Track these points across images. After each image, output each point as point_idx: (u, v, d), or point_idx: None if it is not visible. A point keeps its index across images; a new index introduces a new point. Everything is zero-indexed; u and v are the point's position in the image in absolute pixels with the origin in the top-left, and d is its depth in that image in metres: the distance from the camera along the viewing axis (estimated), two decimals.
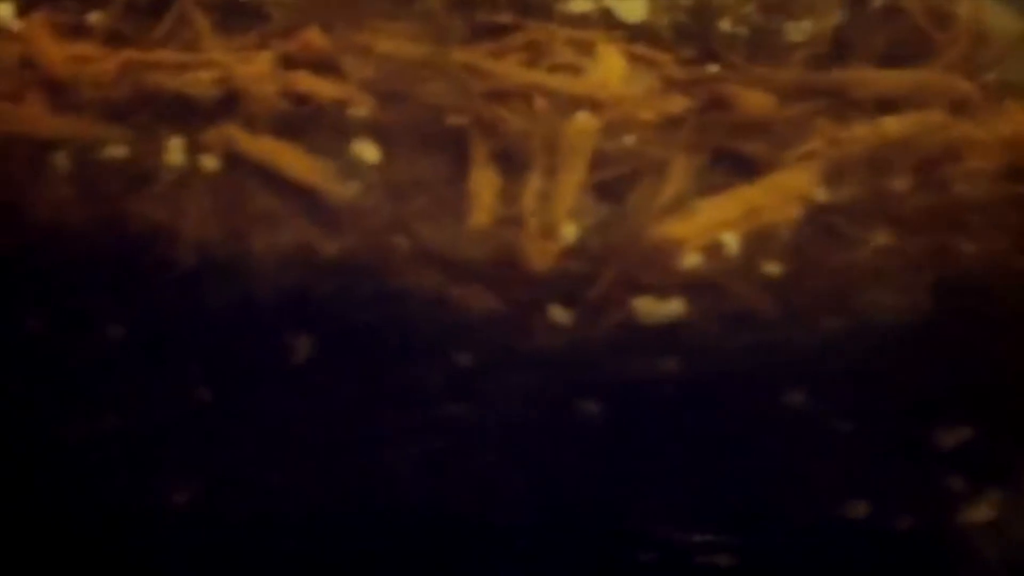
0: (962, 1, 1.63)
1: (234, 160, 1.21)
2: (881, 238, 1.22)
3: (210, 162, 1.21)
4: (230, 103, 1.30)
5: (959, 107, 1.47)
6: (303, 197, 1.19)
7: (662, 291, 1.15)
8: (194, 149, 1.22)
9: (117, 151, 1.20)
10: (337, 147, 1.27)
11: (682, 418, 1.18)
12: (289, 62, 1.49)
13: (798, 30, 1.72)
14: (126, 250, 1.13)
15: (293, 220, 1.15)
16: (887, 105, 1.48)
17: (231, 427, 1.19)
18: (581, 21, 1.69)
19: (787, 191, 1.29)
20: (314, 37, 1.55)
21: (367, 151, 1.27)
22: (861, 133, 1.42)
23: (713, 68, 1.58)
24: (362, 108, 1.35)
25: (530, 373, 1.14)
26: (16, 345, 1.17)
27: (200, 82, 1.34)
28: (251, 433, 1.19)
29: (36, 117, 1.22)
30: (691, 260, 1.21)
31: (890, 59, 1.58)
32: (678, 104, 1.47)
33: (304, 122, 1.30)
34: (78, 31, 1.42)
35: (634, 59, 1.56)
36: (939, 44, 1.59)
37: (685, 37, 1.68)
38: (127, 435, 1.20)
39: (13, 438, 1.20)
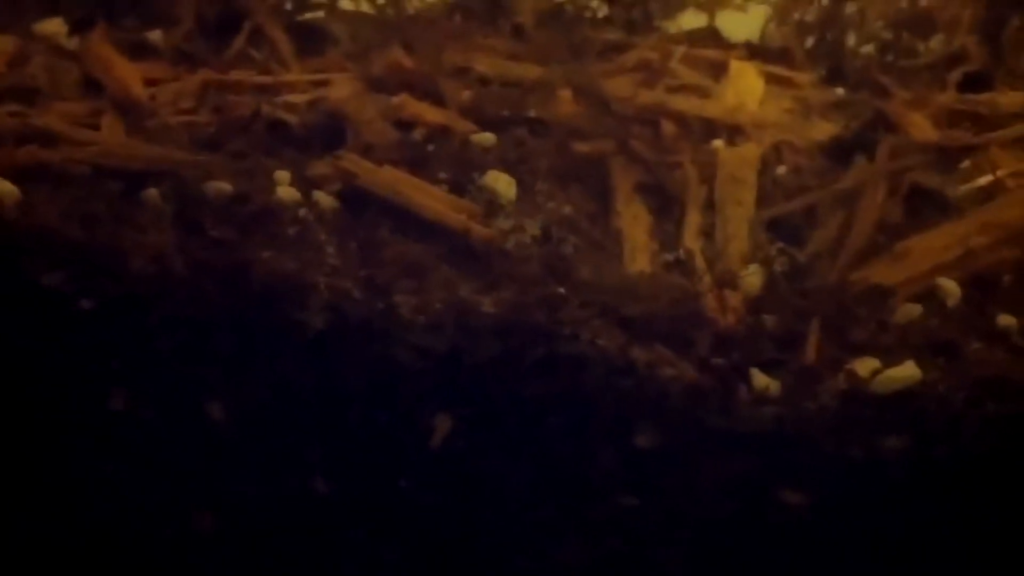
0: None
1: (355, 197, 0.98)
2: None
3: (327, 199, 0.99)
4: (332, 130, 1.08)
5: None
6: (445, 241, 0.97)
7: (886, 351, 0.94)
8: (306, 184, 1.00)
9: (220, 186, 0.97)
10: (465, 180, 1.05)
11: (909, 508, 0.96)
12: (376, 85, 1.29)
13: (929, 49, 1.54)
14: (242, 310, 0.90)
15: (438, 270, 0.93)
16: None
17: (351, 528, 0.96)
18: (686, 38, 1.51)
19: (1001, 228, 1.08)
20: (401, 57, 1.35)
21: (503, 184, 1.06)
22: None
23: (841, 90, 1.41)
24: (489, 135, 1.13)
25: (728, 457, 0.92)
26: (94, 426, 0.93)
27: (294, 107, 1.13)
28: (375, 534, 0.96)
29: (120, 146, 0.99)
30: (908, 312, 1.00)
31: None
32: (823, 130, 1.28)
33: (422, 152, 1.09)
34: (141, 50, 1.21)
35: (769, 80, 1.37)
36: None
37: (809, 56, 1.51)
38: (227, 539, 0.96)
39: (92, 535, 0.96)
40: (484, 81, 1.33)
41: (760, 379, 0.92)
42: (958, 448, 0.94)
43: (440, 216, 0.98)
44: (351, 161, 1.00)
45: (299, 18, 1.46)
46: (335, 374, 0.92)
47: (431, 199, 0.99)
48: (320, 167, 1.00)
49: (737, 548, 0.97)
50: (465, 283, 0.92)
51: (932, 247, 1.06)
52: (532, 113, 1.23)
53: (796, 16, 1.53)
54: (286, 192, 0.98)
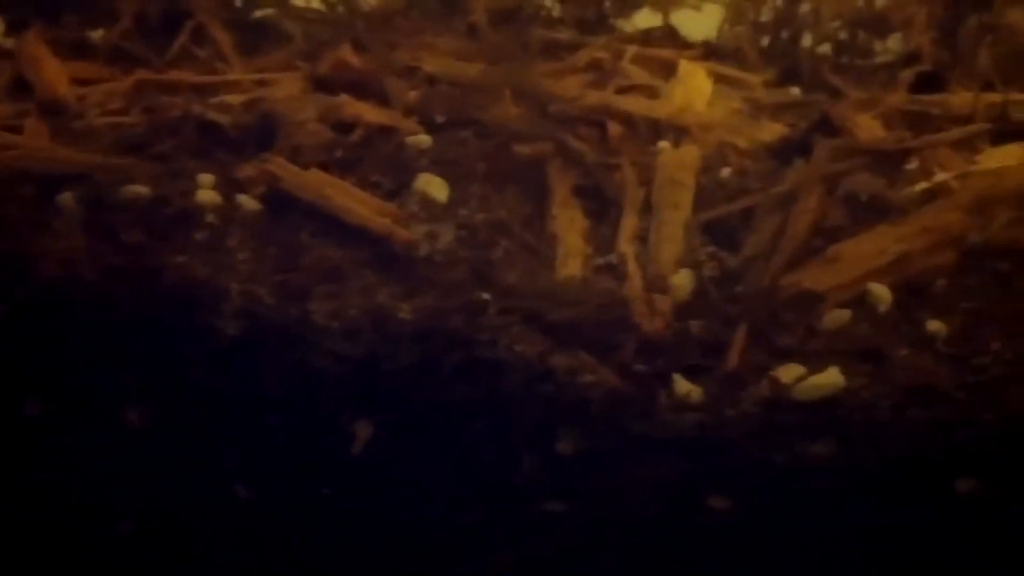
0: None
1: (279, 200, 0.98)
2: None
3: (250, 203, 0.99)
4: (265, 131, 1.07)
5: None
6: (368, 245, 0.96)
7: (812, 358, 0.93)
8: (229, 187, 0.99)
9: (138, 190, 0.97)
10: (398, 183, 1.04)
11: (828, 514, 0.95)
12: (323, 85, 1.28)
13: (887, 49, 1.54)
14: (154, 314, 0.89)
15: (358, 275, 0.92)
16: (998, 134, 1.29)
17: (272, 533, 0.95)
18: (643, 39, 1.50)
19: (938, 232, 1.08)
20: (348, 56, 1.34)
21: (435, 187, 1.05)
22: (990, 165, 1.21)
23: (795, 91, 1.41)
24: (425, 136, 1.12)
25: (652, 463, 0.91)
26: (8, 433, 0.92)
27: (227, 108, 1.12)
28: (297, 540, 0.95)
29: (39, 150, 0.98)
30: (838, 318, 0.99)
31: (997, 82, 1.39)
32: (772, 131, 1.27)
33: (355, 154, 1.08)
34: (79, 50, 1.20)
35: (716, 80, 1.37)
36: None
37: (764, 57, 1.50)
38: (147, 543, 0.96)
39: (9, 541, 0.96)
40: (432, 81, 1.32)
41: (682, 385, 0.92)
42: (884, 455, 0.94)
43: (363, 220, 0.98)
44: (275, 164, 1.00)
45: (251, 16, 1.46)
46: (252, 379, 0.91)
47: (356, 203, 0.98)
48: (246, 169, 0.99)
49: (665, 553, 0.97)
50: (385, 288, 0.92)
51: (865, 252, 1.05)
52: (476, 114, 1.22)
53: (751, 16, 1.52)
54: (206, 195, 0.97)
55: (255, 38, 1.41)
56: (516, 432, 0.91)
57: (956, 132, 1.18)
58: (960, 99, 1.34)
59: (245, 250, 0.93)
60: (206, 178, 0.99)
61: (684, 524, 0.96)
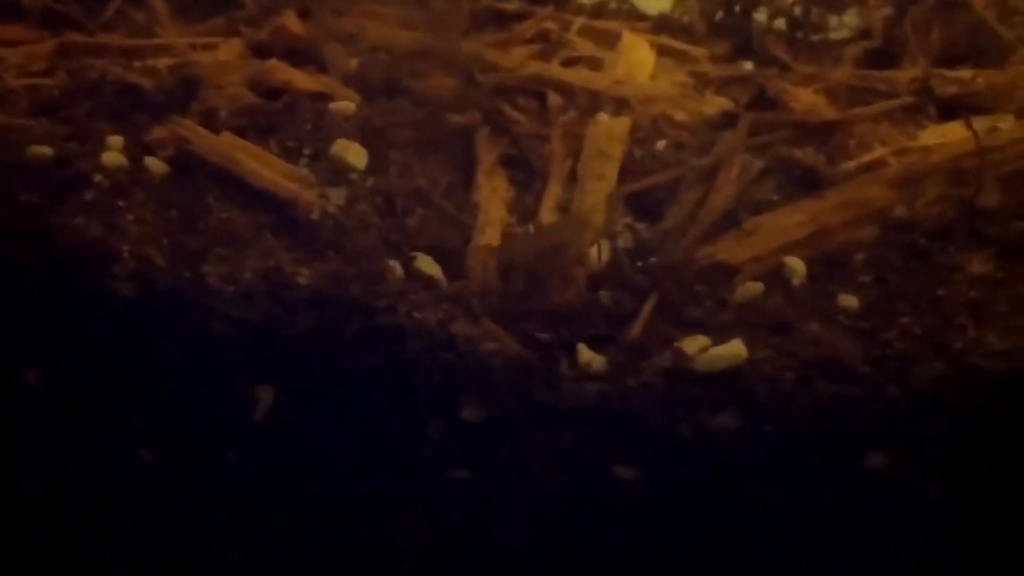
0: None
1: (187, 163, 0.97)
2: (977, 266, 1.00)
3: (157, 165, 0.98)
4: (187, 95, 1.07)
5: None
6: (273, 210, 0.96)
7: (721, 330, 0.93)
8: (139, 149, 0.98)
9: (42, 151, 0.96)
10: (316, 149, 1.04)
11: (737, 486, 0.95)
12: (262, 52, 1.28)
13: (842, 24, 1.53)
14: (48, 275, 0.89)
15: (260, 239, 0.92)
16: (953, 109, 1.28)
17: (180, 496, 0.95)
18: (598, 11, 1.49)
19: (860, 206, 1.07)
20: (290, 23, 1.33)
21: (352, 154, 1.04)
22: (931, 140, 1.20)
23: (748, 65, 1.40)
24: (348, 103, 1.12)
25: (556, 431, 0.91)
26: None
27: (153, 71, 1.12)
28: (204, 505, 0.95)
29: None
30: (750, 290, 0.99)
31: (950, 58, 1.38)
32: (715, 104, 1.26)
33: (276, 119, 1.07)
34: (10, 13, 1.19)
35: (663, 52, 1.36)
36: (1006, 42, 1.40)
37: (717, 31, 1.49)
38: (52, 505, 0.96)
39: None
40: (374, 49, 1.31)
41: (584, 354, 0.92)
42: (791, 428, 0.93)
43: (270, 184, 0.97)
44: (185, 127, 0.99)
45: None
46: (152, 342, 0.91)
47: (265, 167, 0.98)
48: (158, 132, 0.99)
49: (573, 522, 0.96)
50: (286, 254, 0.91)
51: (783, 225, 1.05)
52: (409, 83, 1.22)
53: None
54: (111, 158, 0.97)
55: (210, 3, 1.40)
56: (420, 400, 0.91)
57: (881, 105, 1.17)
58: (908, 74, 1.33)
59: (147, 212, 0.92)
60: (115, 140, 0.99)
61: (592, 493, 0.95)
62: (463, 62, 1.18)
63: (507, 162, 1.13)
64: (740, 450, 0.94)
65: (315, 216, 0.94)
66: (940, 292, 0.98)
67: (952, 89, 1.30)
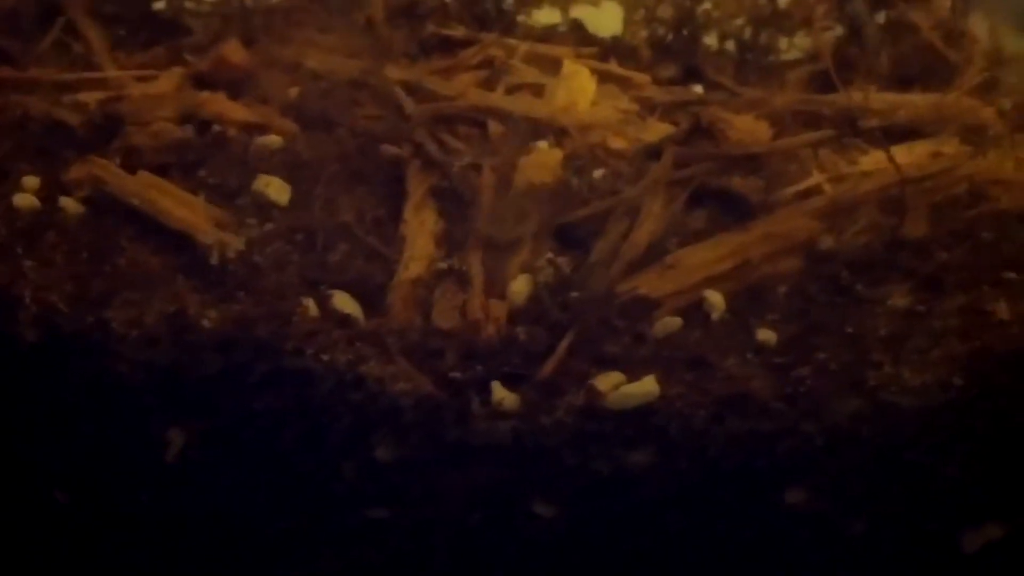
0: (975, 18, 1.44)
1: (103, 203, 0.97)
2: (899, 299, 1.00)
3: (73, 206, 0.98)
4: (111, 132, 1.07)
5: (976, 136, 1.26)
6: (186, 251, 0.96)
7: (638, 365, 0.93)
8: (56, 190, 0.98)
9: None
10: (239, 185, 1.04)
11: (656, 522, 0.95)
12: (203, 82, 1.28)
13: (793, 45, 1.53)
14: None
15: (170, 281, 0.92)
16: (897, 133, 1.28)
17: (95, 537, 0.95)
18: (547, 35, 1.49)
19: (785, 238, 1.07)
20: (232, 52, 1.33)
21: (275, 189, 1.04)
22: (868, 167, 1.20)
23: (698, 88, 1.40)
24: (275, 137, 1.12)
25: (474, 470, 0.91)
26: None
27: (82, 106, 1.12)
28: (119, 545, 0.95)
29: None
30: (668, 325, 0.99)
31: (898, 80, 1.38)
32: (657, 132, 1.26)
33: (201, 155, 1.07)
34: None
35: (606, 79, 1.36)
36: (952, 64, 1.40)
37: (666, 54, 1.49)
38: None
39: None
40: (316, 78, 1.31)
41: (497, 392, 0.92)
42: (708, 465, 0.93)
43: (184, 225, 0.97)
44: (100, 166, 0.99)
45: (151, 9, 1.45)
46: (62, 386, 0.91)
47: (181, 207, 0.98)
48: (75, 172, 0.99)
49: (494, 558, 0.96)
50: (195, 295, 0.91)
51: (706, 258, 1.04)
52: (342, 114, 1.22)
53: (654, 13, 1.51)
54: (23, 200, 0.97)
55: (155, 31, 1.41)
56: (332, 440, 0.91)
57: (805, 137, 1.17)
58: (849, 99, 1.33)
59: (56, 255, 0.92)
60: (30, 181, 0.99)
61: (511, 530, 0.95)
62: (393, 93, 1.18)
63: (438, 194, 1.13)
64: (658, 487, 0.94)
65: (230, 255, 0.93)
66: (859, 326, 0.97)
67: (903, 113, 1.30)
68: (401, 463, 0.91)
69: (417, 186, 1.13)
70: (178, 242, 0.95)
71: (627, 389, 0.91)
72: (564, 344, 0.94)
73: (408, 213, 1.10)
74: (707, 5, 1.53)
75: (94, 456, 0.92)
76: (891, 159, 1.07)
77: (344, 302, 0.94)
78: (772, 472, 0.93)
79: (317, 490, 0.92)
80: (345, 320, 0.91)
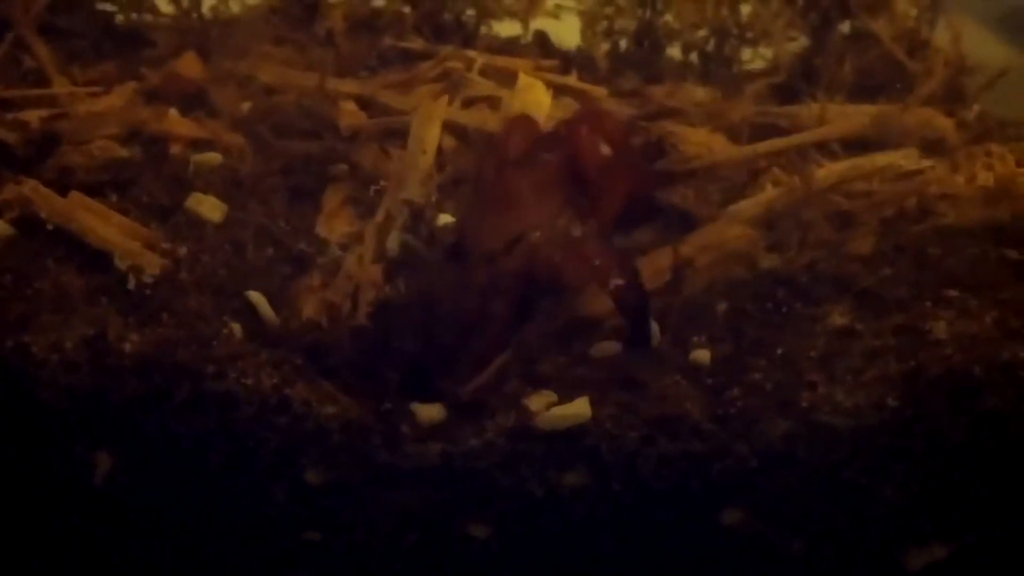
0: (938, 27, 1.43)
1: (32, 225, 0.97)
2: (838, 317, 0.99)
3: (2, 228, 0.98)
4: (48, 151, 1.06)
5: (934, 147, 1.25)
6: (112, 272, 0.95)
7: (574, 386, 0.92)
8: None
9: None
10: (175, 203, 1.03)
11: (593, 543, 0.94)
12: (156, 97, 1.28)
13: (757, 55, 1.52)
14: None
15: (94, 303, 0.91)
16: (854, 144, 1.27)
17: (22, 560, 0.95)
18: (509, 47, 1.49)
19: (727, 251, 1.06)
20: (187, 66, 1.33)
21: (208, 207, 1.04)
22: (820, 178, 1.19)
23: (654, 103, 1.39)
24: (214, 154, 1.11)
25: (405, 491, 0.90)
26: None
27: (20, 124, 1.11)
28: (50, 568, 0.94)
29: None
30: (608, 345, 0.98)
31: (860, 91, 1.38)
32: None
33: (137, 173, 1.07)
34: None
35: (562, 92, 1.35)
36: (913, 74, 1.39)
37: (627, 65, 1.48)
38: None
39: None
40: (268, 92, 1.31)
41: (424, 414, 0.91)
42: (638, 485, 0.92)
43: (111, 246, 0.96)
44: (30, 187, 0.99)
45: (117, 21, 1.45)
46: None
47: (109, 227, 0.97)
48: (6, 193, 0.98)
49: None
50: (118, 318, 0.90)
51: (644, 271, 1.03)
52: (287, 128, 1.21)
53: (611, 26, 1.51)
54: None
55: (120, 44, 1.40)
56: (259, 464, 0.90)
57: (746, 149, 1.16)
58: (809, 111, 1.32)
59: None
60: None
61: (446, 551, 0.95)
62: (331, 110, 1.17)
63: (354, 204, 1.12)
64: (592, 507, 0.93)
65: (145, 280, 0.93)
66: (795, 345, 0.96)
67: (860, 124, 1.29)
68: (331, 486, 0.90)
69: (332, 198, 1.11)
70: (104, 264, 0.94)
71: (558, 411, 0.90)
72: (496, 364, 0.93)
73: (327, 223, 1.08)
74: (668, 17, 1.52)
75: (21, 477, 0.91)
76: (807, 182, 1.06)
77: (258, 300, 0.93)
78: (707, 493, 0.92)
79: (249, 514, 0.91)
80: (265, 329, 0.90)
